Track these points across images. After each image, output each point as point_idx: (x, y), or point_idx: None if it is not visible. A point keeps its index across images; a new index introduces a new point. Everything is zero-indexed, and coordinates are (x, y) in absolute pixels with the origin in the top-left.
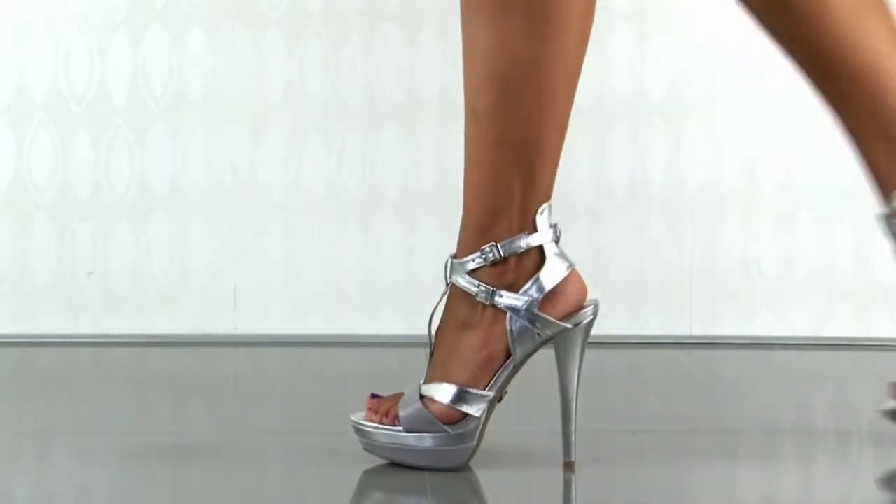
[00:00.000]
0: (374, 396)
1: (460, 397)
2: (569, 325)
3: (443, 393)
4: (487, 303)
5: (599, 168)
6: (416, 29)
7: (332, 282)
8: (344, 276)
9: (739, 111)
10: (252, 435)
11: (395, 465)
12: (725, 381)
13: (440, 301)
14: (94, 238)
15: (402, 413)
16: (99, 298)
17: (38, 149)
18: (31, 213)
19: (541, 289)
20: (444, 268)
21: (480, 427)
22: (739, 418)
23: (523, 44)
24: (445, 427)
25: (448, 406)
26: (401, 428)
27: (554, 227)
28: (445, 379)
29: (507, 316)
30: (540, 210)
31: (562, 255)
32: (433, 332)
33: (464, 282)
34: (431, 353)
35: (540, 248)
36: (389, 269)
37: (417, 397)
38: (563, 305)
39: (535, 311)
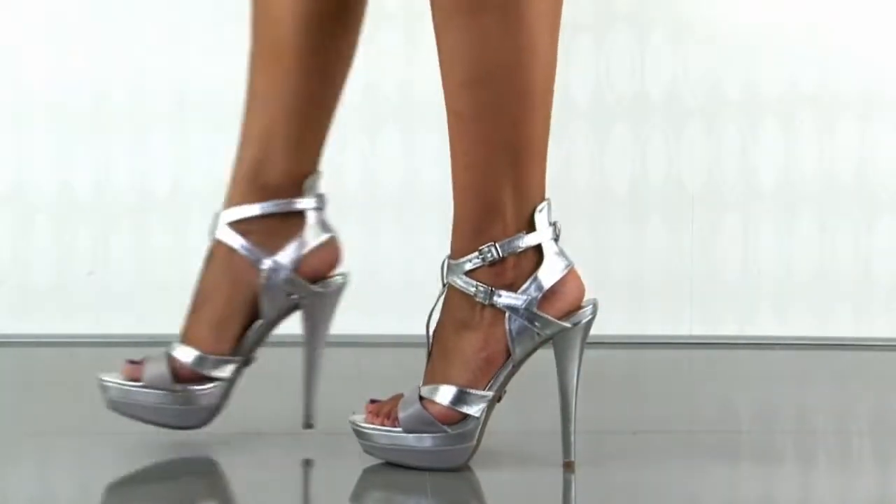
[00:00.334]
0: (373, 402)
1: (460, 398)
2: (568, 325)
3: (442, 394)
4: (486, 303)
5: (599, 168)
6: (416, 29)
7: None
8: None
9: (739, 111)
10: (252, 435)
11: (394, 465)
12: (725, 381)
13: (437, 302)
14: (94, 238)
15: (402, 414)
16: (99, 298)
17: (38, 149)
18: (31, 213)
19: (540, 287)
20: (440, 268)
21: (480, 427)
22: (739, 418)
23: (500, 43)
24: (445, 427)
25: (448, 407)
26: (400, 429)
27: (553, 225)
28: (445, 380)
29: (506, 315)
30: (539, 209)
31: (561, 253)
32: (431, 332)
33: (461, 282)
34: (429, 354)
35: (538, 247)
36: (389, 269)
37: (417, 398)
38: (562, 304)
39: (534, 310)
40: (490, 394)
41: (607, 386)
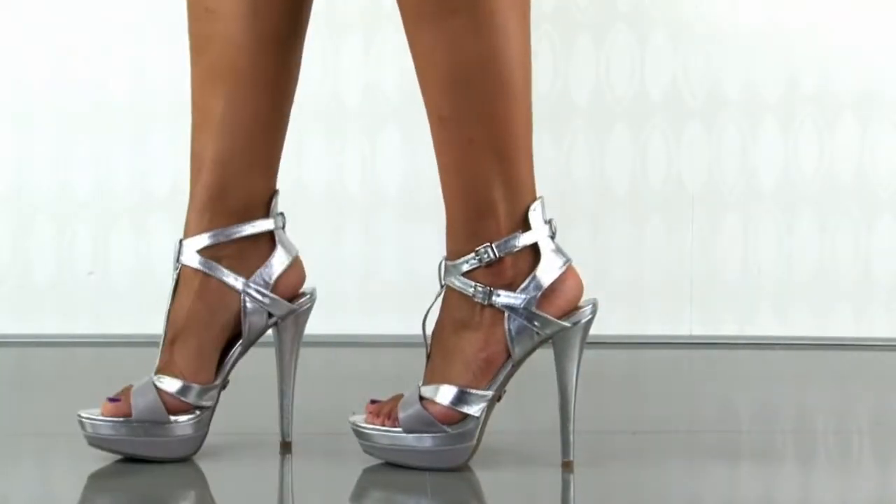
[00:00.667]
0: (373, 402)
1: (461, 398)
2: (567, 324)
3: (443, 394)
4: (485, 303)
5: (599, 168)
6: None
7: (331, 282)
8: (344, 276)
9: (739, 111)
10: (251, 435)
11: (394, 465)
12: (725, 381)
13: (434, 302)
14: (94, 238)
15: (402, 415)
16: (99, 298)
17: (38, 149)
18: (31, 213)
19: (539, 286)
20: (437, 269)
21: (480, 426)
22: (739, 418)
23: (473, 43)
24: (445, 427)
25: (448, 407)
26: (400, 429)
27: (549, 222)
28: (445, 380)
29: (506, 315)
30: (532, 207)
31: (558, 250)
32: (428, 333)
33: (459, 283)
34: (429, 355)
35: (535, 246)
36: (389, 269)
37: (417, 399)
38: (561, 303)
39: (534, 309)
40: (490, 393)
41: (607, 386)
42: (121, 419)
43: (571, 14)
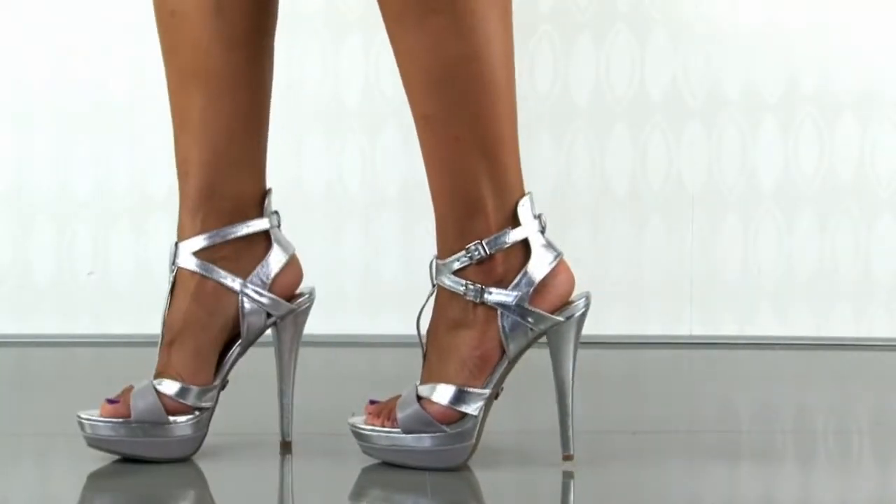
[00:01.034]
0: (372, 402)
1: (459, 397)
2: (561, 319)
3: (440, 393)
4: (477, 301)
5: (599, 168)
6: None
7: (331, 282)
8: (344, 276)
9: (739, 111)
10: (251, 435)
11: (394, 464)
12: (725, 381)
13: (426, 302)
14: (94, 238)
15: (401, 415)
16: (99, 298)
17: (38, 149)
18: (31, 213)
19: (530, 282)
20: (428, 269)
21: (478, 425)
22: (739, 418)
23: (455, 41)
24: (444, 427)
25: (447, 406)
26: (399, 430)
27: (538, 217)
28: (442, 379)
29: (499, 312)
30: (521, 203)
31: (549, 245)
32: (423, 333)
33: (450, 282)
34: (425, 355)
35: (525, 241)
36: (389, 269)
37: (415, 399)
38: (553, 298)
39: (526, 305)
40: (487, 391)
41: (607, 386)
42: (120, 420)
43: (571, 14)
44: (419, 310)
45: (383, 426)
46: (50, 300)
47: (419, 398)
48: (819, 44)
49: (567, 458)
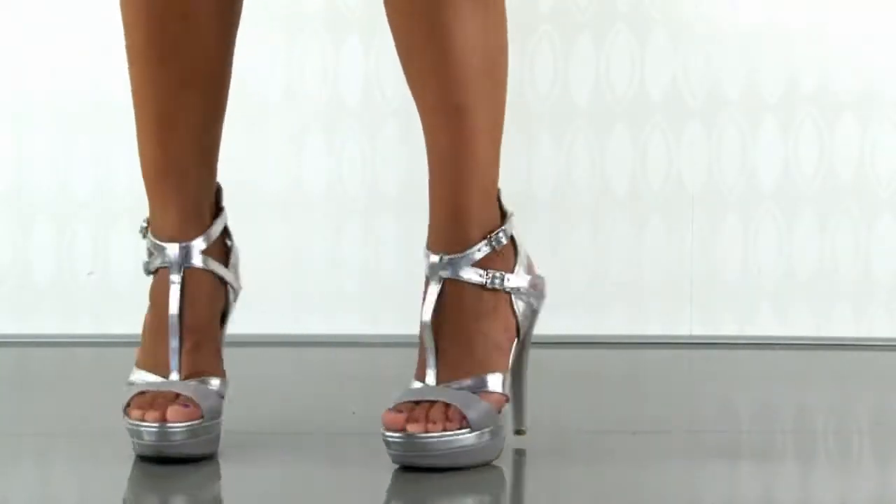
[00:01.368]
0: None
1: (506, 382)
2: (545, 295)
3: (493, 382)
4: (499, 288)
5: (599, 168)
6: None
7: (331, 282)
8: (344, 276)
9: (739, 111)
10: (251, 435)
11: (394, 465)
12: (725, 381)
13: (425, 299)
14: (94, 238)
15: (473, 415)
16: (99, 298)
17: (38, 149)
18: (31, 213)
19: (530, 265)
20: (428, 267)
21: None
22: (739, 418)
23: (496, 31)
24: (498, 417)
25: (501, 394)
26: (468, 430)
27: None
28: (482, 370)
29: (510, 297)
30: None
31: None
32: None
33: (470, 273)
34: (435, 350)
35: None
36: (389, 269)
37: (473, 395)
38: (535, 278)
39: (530, 286)
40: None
41: (607, 386)
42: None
43: (571, 14)
44: (421, 308)
45: (446, 430)
46: (50, 300)
47: (473, 392)
48: (819, 44)
49: (519, 432)
